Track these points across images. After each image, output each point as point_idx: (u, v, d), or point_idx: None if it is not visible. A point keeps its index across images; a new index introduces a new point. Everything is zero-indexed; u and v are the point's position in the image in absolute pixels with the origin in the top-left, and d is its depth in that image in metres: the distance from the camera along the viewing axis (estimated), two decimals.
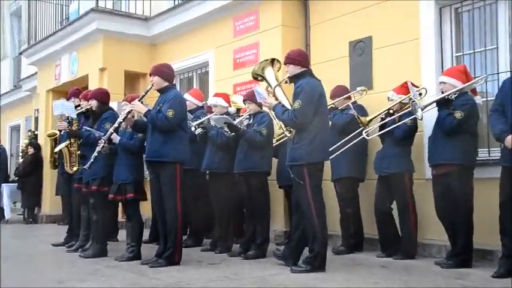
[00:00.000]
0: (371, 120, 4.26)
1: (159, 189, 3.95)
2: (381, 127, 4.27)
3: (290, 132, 3.67)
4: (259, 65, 3.89)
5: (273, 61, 3.88)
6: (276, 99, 3.77)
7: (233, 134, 4.32)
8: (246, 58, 5.98)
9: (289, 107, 3.65)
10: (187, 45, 6.87)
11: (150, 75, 4.06)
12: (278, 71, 3.88)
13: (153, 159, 3.93)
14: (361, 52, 5.09)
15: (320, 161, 3.63)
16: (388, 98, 4.31)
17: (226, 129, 4.30)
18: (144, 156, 4.21)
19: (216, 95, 5.03)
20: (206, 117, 4.82)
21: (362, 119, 4.23)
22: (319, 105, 3.58)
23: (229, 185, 4.62)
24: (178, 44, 7.01)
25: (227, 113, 4.80)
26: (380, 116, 4.26)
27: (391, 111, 4.21)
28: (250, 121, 4.41)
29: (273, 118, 3.88)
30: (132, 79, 7.59)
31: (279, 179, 4.89)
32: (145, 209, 5.22)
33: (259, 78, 3.92)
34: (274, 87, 3.80)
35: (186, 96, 5.16)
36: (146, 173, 4.44)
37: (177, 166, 3.88)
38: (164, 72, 4.03)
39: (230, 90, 5.96)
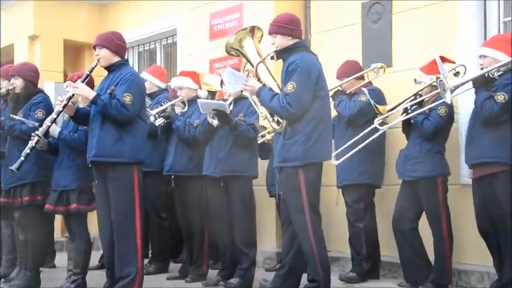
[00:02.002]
0: (392, 109, 4.17)
1: (107, 198, 3.90)
2: (404, 122, 4.21)
3: (279, 123, 3.65)
4: (234, 35, 3.84)
5: (252, 30, 3.83)
6: (259, 80, 3.73)
7: (218, 124, 4.25)
8: (226, 25, 5.95)
9: (277, 90, 3.63)
10: (148, 7, 6.80)
11: (95, 48, 3.99)
12: (259, 41, 3.84)
13: (104, 160, 3.85)
14: (377, 17, 5.05)
15: (320, 161, 3.61)
16: (415, 80, 4.24)
17: (211, 117, 4.22)
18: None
19: (182, 74, 4.96)
20: (169, 103, 4.77)
21: (380, 108, 4.14)
22: (318, 87, 3.57)
23: (201, 191, 4.63)
24: (136, 5, 6.94)
25: (196, 97, 4.76)
26: (404, 104, 4.18)
27: (418, 98, 4.15)
28: (231, 108, 4.36)
29: (255, 105, 3.86)
30: (74, 51, 7.50)
31: (271, 185, 4.87)
32: (94, 224, 5.05)
33: (235, 53, 3.90)
34: (257, 65, 3.74)
35: (145, 75, 5.14)
36: None
37: (134, 168, 3.86)
38: (114, 42, 3.96)
39: (205, 68, 5.94)
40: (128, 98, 3.78)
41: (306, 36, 5.43)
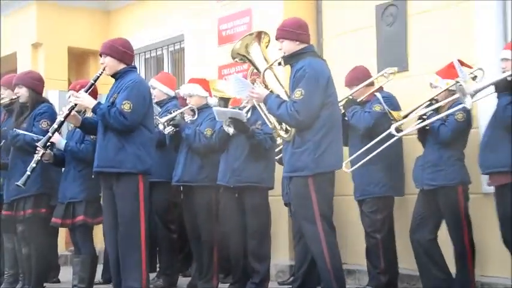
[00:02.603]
0: (407, 115, 4.20)
1: (113, 210, 3.95)
2: (420, 129, 4.21)
3: (287, 132, 3.70)
4: (240, 41, 3.89)
5: (259, 35, 3.89)
6: (266, 87, 3.78)
7: (234, 133, 4.33)
8: (235, 30, 6.02)
9: (285, 97, 3.66)
10: (154, 12, 6.90)
11: (101, 56, 4.07)
12: (266, 47, 3.90)
13: (106, 170, 3.91)
14: (392, 20, 5.11)
15: (330, 170, 3.64)
16: (431, 84, 4.26)
17: (227, 125, 4.29)
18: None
19: (192, 81, 5.03)
20: (178, 111, 4.85)
21: (394, 114, 4.17)
22: (327, 94, 3.61)
23: (211, 202, 4.70)
24: (142, 11, 7.06)
25: (206, 105, 4.87)
26: (419, 109, 4.20)
27: (434, 103, 4.16)
28: (248, 116, 4.43)
29: (262, 113, 3.91)
30: (79, 59, 7.60)
31: (286, 193, 4.85)
32: (99, 238, 5.20)
33: (241, 60, 3.96)
34: (263, 71, 3.79)
35: (153, 82, 5.22)
36: None
37: (139, 178, 3.91)
38: (118, 50, 4.03)
39: (214, 74, 6.00)
40: (126, 106, 3.82)
41: (318, 41, 5.51)
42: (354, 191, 4.62)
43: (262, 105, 3.81)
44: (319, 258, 3.57)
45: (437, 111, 4.14)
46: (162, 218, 5.12)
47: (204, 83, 4.95)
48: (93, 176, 4.05)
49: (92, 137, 4.32)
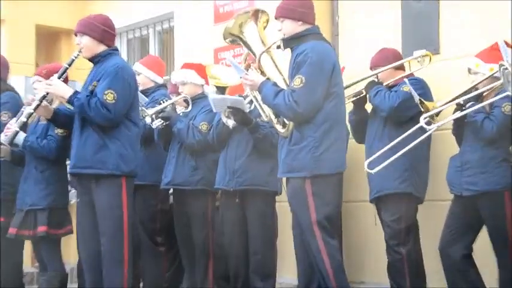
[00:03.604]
0: (443, 105, 4.06)
1: (91, 219, 3.97)
2: (457, 121, 4.14)
3: (284, 126, 3.71)
4: (234, 19, 3.91)
5: (256, 13, 3.90)
6: (263, 73, 3.80)
7: (234, 125, 4.31)
8: (234, 5, 5.98)
9: (284, 86, 3.71)
10: None
11: (76, 35, 4.07)
12: (265, 26, 3.90)
13: (85, 172, 3.90)
14: None
15: (331, 172, 3.67)
16: (470, 70, 4.18)
17: (226, 117, 4.27)
18: (68, 166, 4.21)
19: (185, 66, 5.03)
20: (169, 101, 4.82)
21: (428, 105, 4.02)
22: (333, 83, 3.64)
23: (206, 209, 4.74)
24: None
25: (202, 94, 4.88)
26: (457, 100, 4.07)
27: (474, 92, 4.03)
28: (251, 107, 4.39)
29: (257, 104, 3.96)
30: (49, 39, 7.54)
31: None
32: (71, 251, 5.26)
33: (233, 41, 3.97)
34: (260, 55, 3.80)
35: (138, 67, 5.19)
36: (71, 192, 4.48)
37: (122, 181, 3.93)
38: (98, 29, 4.02)
39: (210, 59, 5.93)
40: (110, 96, 3.82)
41: (332, 19, 5.45)
42: (370, 190, 4.57)
43: (256, 93, 3.83)
44: (322, 271, 3.61)
45: (478, 101, 4.03)
46: (147, 228, 5.07)
47: (200, 69, 4.94)
48: (68, 179, 4.07)
49: (57, 131, 4.31)
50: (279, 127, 3.75)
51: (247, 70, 3.82)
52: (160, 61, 5.62)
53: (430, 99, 4.34)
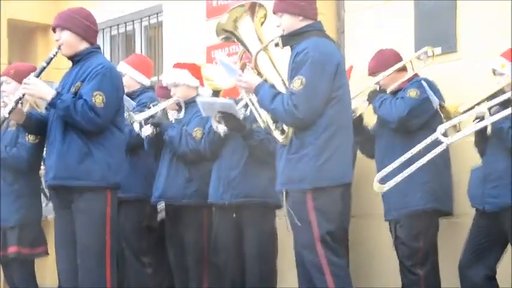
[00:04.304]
0: (468, 110, 3.95)
1: (71, 236, 3.92)
2: (479, 132, 4.03)
3: (283, 133, 3.70)
4: (228, 14, 3.89)
5: (253, 7, 3.87)
6: (259, 74, 3.78)
7: (226, 132, 4.31)
8: None
9: (282, 88, 3.70)
10: None
11: (54, 30, 4.04)
12: (263, 22, 3.87)
13: (68, 183, 3.86)
14: None
15: (335, 184, 3.66)
16: (495, 71, 4.15)
17: (217, 122, 4.26)
18: (43, 178, 4.20)
19: (178, 66, 5.01)
20: (159, 105, 4.80)
21: (450, 108, 3.95)
22: (336, 85, 3.62)
23: (201, 225, 4.71)
24: None
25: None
26: (480, 105, 3.97)
27: (501, 96, 3.95)
28: (247, 112, 4.37)
29: (253, 108, 3.93)
30: (24, 36, 7.46)
31: None
32: (47, 273, 5.20)
33: (225, 38, 3.93)
34: (256, 54, 3.78)
35: (123, 67, 5.20)
36: (46, 206, 4.46)
37: (107, 194, 3.90)
38: (80, 23, 4.00)
39: (202, 57, 5.94)
40: (98, 99, 3.79)
41: (338, 14, 5.42)
42: (385, 208, 4.55)
43: (252, 96, 3.81)
44: None
45: (504, 106, 3.94)
46: (133, 247, 5.03)
47: (193, 69, 4.93)
48: (46, 192, 4.09)
49: (28, 137, 4.29)
50: (277, 134, 3.71)
51: (243, 70, 3.81)
52: (148, 60, 5.62)
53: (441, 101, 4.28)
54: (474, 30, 4.77)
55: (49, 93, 3.84)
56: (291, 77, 3.62)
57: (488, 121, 3.86)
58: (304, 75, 3.52)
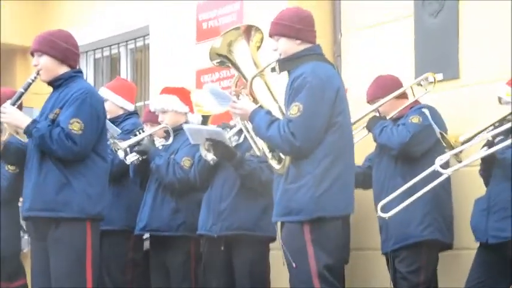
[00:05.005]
0: (468, 140, 3.99)
1: (48, 269, 3.90)
2: (485, 161, 4.12)
3: (280, 162, 3.68)
4: (222, 38, 3.89)
5: (248, 30, 3.88)
6: (255, 100, 3.78)
7: (215, 160, 4.31)
8: (220, 21, 6.02)
9: (279, 115, 3.70)
10: None
11: (33, 54, 4.04)
12: (259, 47, 3.88)
13: (44, 215, 3.85)
14: (438, 7, 5.02)
15: (336, 215, 3.65)
16: (500, 99, 4.17)
17: (205, 151, 4.26)
18: (20, 209, 4.20)
19: (166, 91, 5.01)
20: (147, 132, 4.83)
21: (451, 138, 3.98)
22: (336, 111, 3.62)
23: (188, 259, 4.69)
24: None
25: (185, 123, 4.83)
26: (484, 133, 4.04)
27: (505, 125, 3.99)
28: (240, 140, 4.38)
29: (248, 135, 3.92)
30: (1, 59, 7.38)
31: None
32: None
33: (219, 62, 3.94)
34: (251, 79, 3.77)
35: (105, 92, 5.19)
36: (24, 239, 4.49)
37: (87, 225, 3.90)
38: (60, 47, 4.00)
39: (191, 82, 5.95)
40: (76, 126, 3.79)
41: (334, 37, 5.46)
42: (383, 239, 4.54)
43: (247, 124, 3.81)
44: None
45: (507, 135, 3.99)
46: (116, 281, 4.98)
47: (183, 95, 4.94)
48: (20, 223, 4.04)
49: (7, 167, 4.33)
50: (274, 163, 3.68)
51: (238, 97, 3.79)
52: (130, 85, 5.62)
53: (444, 130, 4.31)
54: (479, 54, 4.76)
55: (24, 122, 3.85)
56: (288, 103, 3.60)
57: (492, 150, 3.94)
58: (302, 101, 3.50)
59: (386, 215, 3.98)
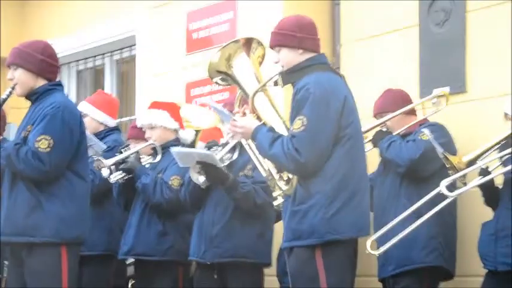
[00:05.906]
0: (473, 160, 4.05)
1: None
2: (486, 188, 4.18)
3: (288, 182, 3.65)
4: (220, 52, 3.85)
5: (248, 43, 3.84)
6: (258, 118, 3.76)
7: (206, 184, 4.32)
8: (212, 30, 6.05)
9: (284, 131, 3.67)
10: (92, 4, 6.91)
11: (9, 66, 4.07)
12: (261, 62, 3.84)
13: (14, 240, 3.88)
14: (444, 17, 5.04)
15: (349, 237, 3.60)
16: (506, 115, 4.20)
17: (197, 174, 4.25)
18: None
19: (155, 105, 5.01)
20: (133, 149, 4.83)
21: (453, 160, 4.03)
22: (344, 124, 3.58)
23: (178, 285, 4.73)
24: (73, 2, 7.02)
25: (176, 141, 4.87)
26: (490, 152, 4.11)
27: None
28: (233, 157, 4.33)
29: (253, 154, 3.88)
30: None
31: (283, 273, 4.70)
32: None
33: (220, 80, 3.92)
34: (253, 94, 3.75)
35: (84, 107, 5.19)
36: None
37: (62, 250, 3.90)
38: (35, 59, 4.02)
39: (180, 96, 5.96)
40: (43, 144, 3.81)
41: (333, 48, 5.49)
42: (380, 264, 4.52)
43: (251, 142, 3.78)
44: None
45: None
46: None
47: (173, 110, 4.94)
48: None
49: None
50: (282, 184, 3.64)
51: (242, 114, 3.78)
52: (112, 99, 5.62)
53: (453, 150, 4.38)
54: (487, 66, 4.79)
55: None
56: (292, 117, 3.57)
57: (493, 174, 4.01)
58: (306, 114, 3.48)
59: (376, 252, 3.90)
